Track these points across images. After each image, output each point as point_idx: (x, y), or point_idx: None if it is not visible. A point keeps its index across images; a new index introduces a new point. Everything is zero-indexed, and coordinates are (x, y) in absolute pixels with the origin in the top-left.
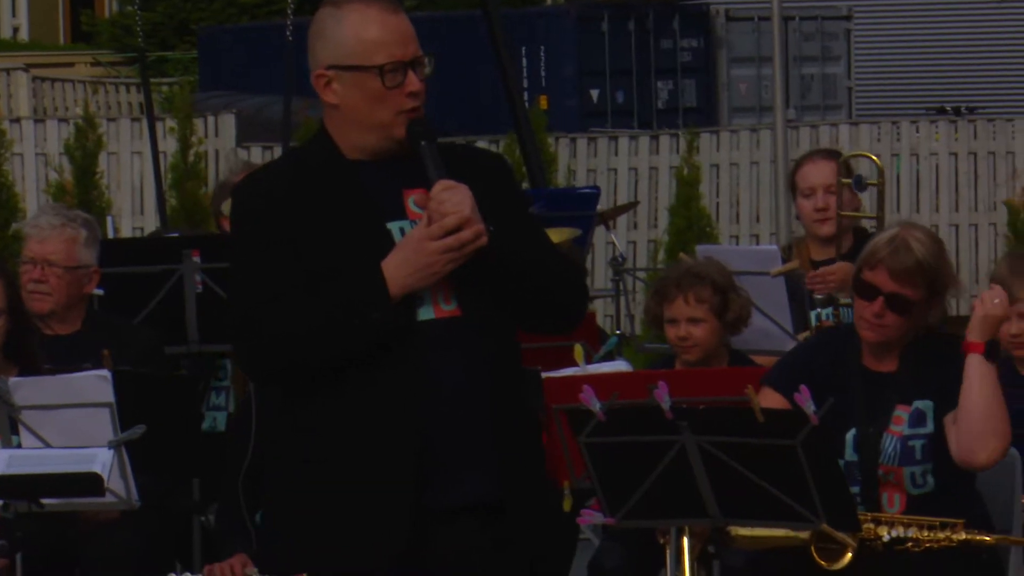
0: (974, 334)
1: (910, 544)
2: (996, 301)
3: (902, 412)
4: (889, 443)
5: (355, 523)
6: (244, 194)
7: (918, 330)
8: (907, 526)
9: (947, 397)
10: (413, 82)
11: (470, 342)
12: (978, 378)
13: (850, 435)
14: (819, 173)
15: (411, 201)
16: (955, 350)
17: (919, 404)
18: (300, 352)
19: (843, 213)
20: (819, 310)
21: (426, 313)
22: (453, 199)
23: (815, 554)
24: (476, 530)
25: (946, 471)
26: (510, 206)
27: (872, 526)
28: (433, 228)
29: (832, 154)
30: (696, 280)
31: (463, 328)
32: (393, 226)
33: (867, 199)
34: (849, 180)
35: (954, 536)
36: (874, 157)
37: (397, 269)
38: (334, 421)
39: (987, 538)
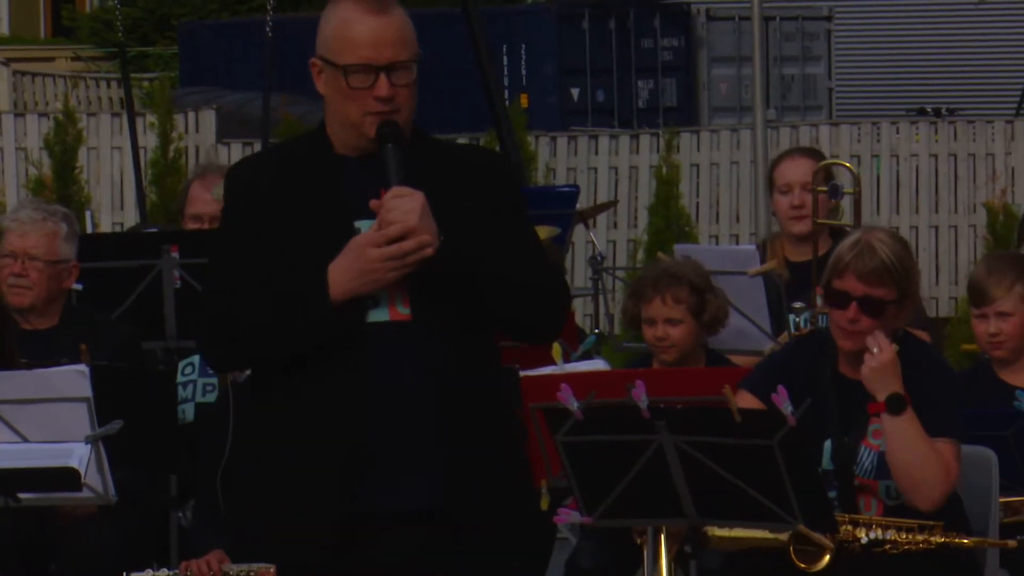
0: (874, 392)
1: (888, 546)
2: (877, 350)
3: (878, 425)
4: (866, 456)
5: (287, 518)
6: (231, 179)
7: (893, 336)
8: (885, 528)
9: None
10: (382, 87)
11: (420, 347)
12: (892, 438)
13: (827, 444)
14: (797, 170)
15: (372, 201)
16: (926, 359)
17: None
18: (245, 345)
19: (820, 220)
20: (796, 317)
21: (380, 315)
22: (401, 207)
23: (793, 556)
24: (412, 537)
25: None
26: (492, 211)
27: (850, 528)
28: (376, 235)
29: (812, 153)
30: (673, 281)
31: (413, 333)
32: (363, 224)
33: (848, 205)
34: (824, 188)
35: (932, 539)
36: (849, 166)
37: (341, 273)
38: (282, 414)
39: (965, 540)
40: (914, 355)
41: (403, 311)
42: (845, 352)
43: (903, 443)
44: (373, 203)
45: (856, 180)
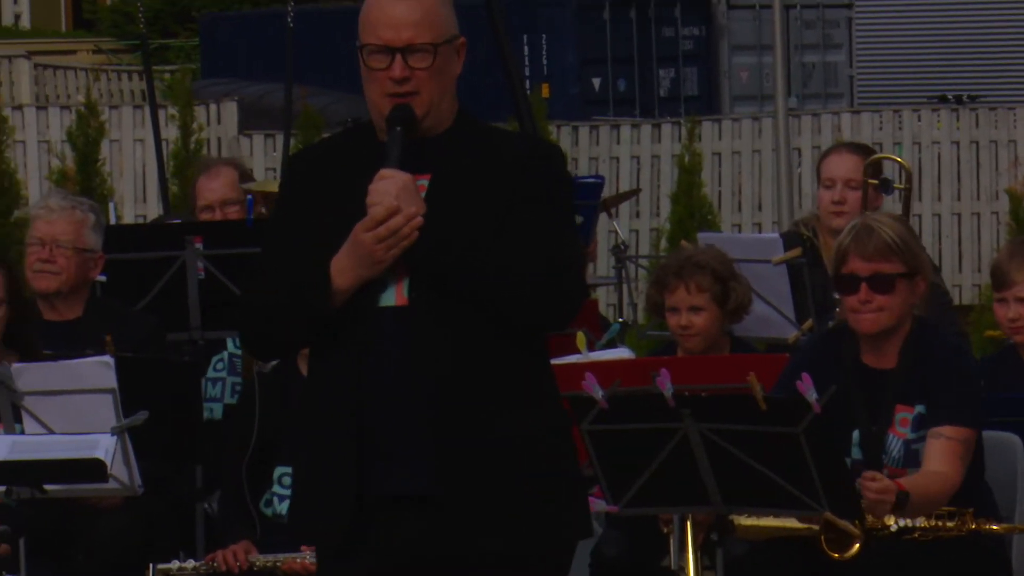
0: (879, 516)
1: (918, 533)
2: (874, 484)
3: (905, 414)
4: (894, 445)
5: (307, 500)
6: (285, 168)
7: (912, 320)
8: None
9: (933, 409)
10: (395, 68)
11: (420, 332)
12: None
13: (855, 434)
14: (841, 165)
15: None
16: (948, 353)
17: (920, 408)
18: (261, 328)
19: (868, 215)
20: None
21: (387, 300)
22: (382, 188)
23: (824, 544)
24: (413, 519)
25: None
26: (520, 199)
27: None
28: (366, 219)
29: (860, 149)
30: (697, 269)
31: (412, 318)
32: None
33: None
34: (875, 181)
35: (964, 525)
36: (902, 160)
37: (344, 260)
38: (305, 398)
39: (995, 527)
40: (928, 342)
41: (407, 295)
42: (867, 339)
43: (917, 513)
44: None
45: (908, 175)
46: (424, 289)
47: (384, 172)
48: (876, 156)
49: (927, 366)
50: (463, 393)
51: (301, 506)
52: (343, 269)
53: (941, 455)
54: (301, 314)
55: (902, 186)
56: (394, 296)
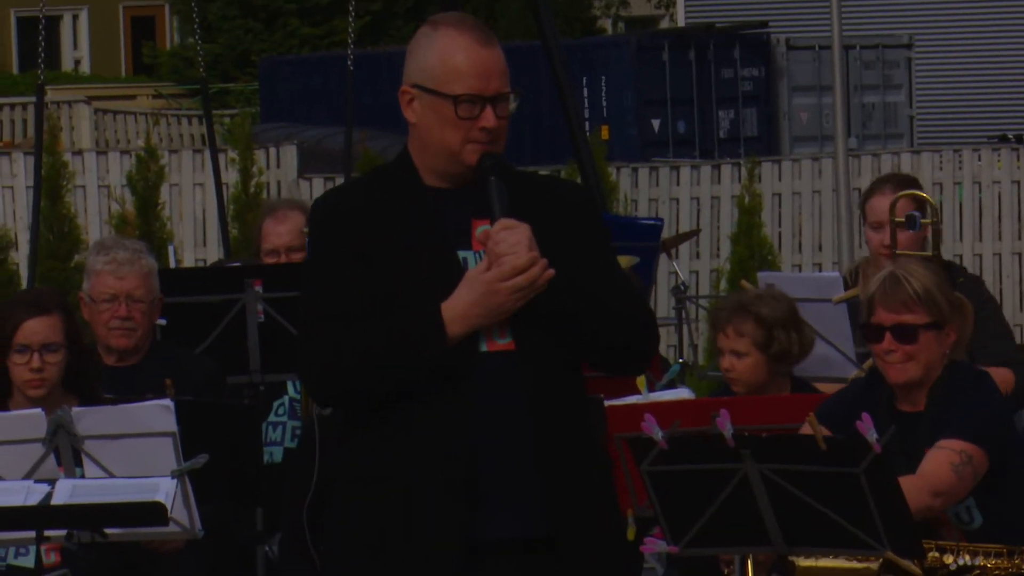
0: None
1: (977, 572)
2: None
3: None
4: None
5: (405, 553)
6: (319, 209)
7: (942, 364)
8: (974, 553)
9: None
10: (488, 118)
11: (522, 376)
12: None
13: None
14: (886, 207)
15: (479, 231)
16: (967, 382)
17: None
18: (353, 377)
19: (899, 252)
20: None
21: (482, 345)
22: (510, 239)
23: None
24: (523, 564)
25: (991, 503)
26: (582, 241)
27: (937, 554)
28: (504, 269)
29: (901, 183)
30: (739, 313)
31: (516, 362)
32: (467, 255)
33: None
34: (902, 219)
35: (1022, 564)
36: (928, 197)
37: (465, 308)
38: (388, 449)
39: None
40: (954, 383)
41: (501, 341)
42: (897, 387)
43: None
44: (481, 235)
45: (934, 209)
46: (530, 332)
47: (506, 222)
48: (902, 193)
49: (952, 403)
50: (563, 435)
51: (397, 555)
52: (460, 316)
53: (930, 459)
54: (409, 362)
55: (930, 221)
56: (485, 343)
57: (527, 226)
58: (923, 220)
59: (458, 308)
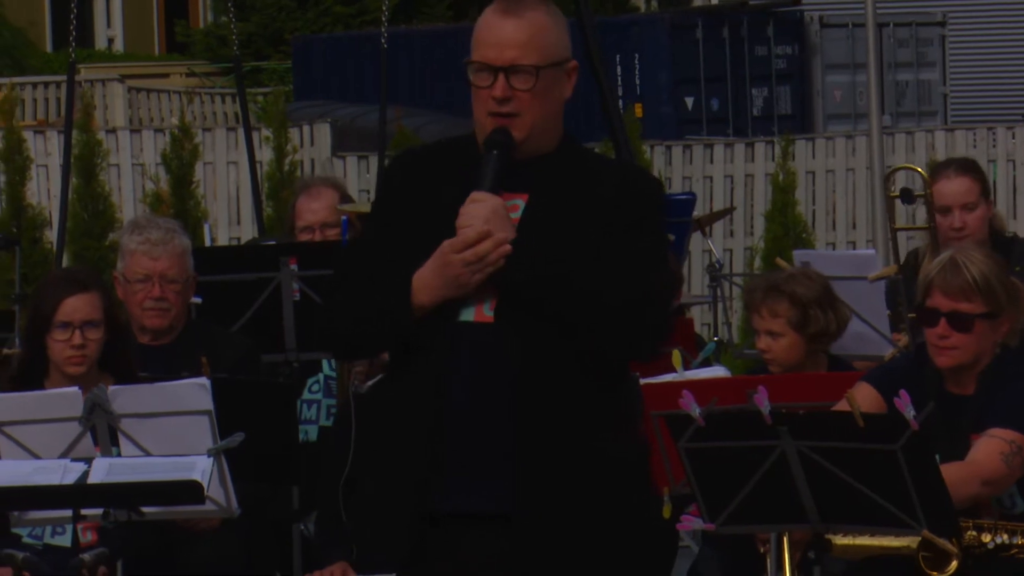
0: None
1: (1015, 551)
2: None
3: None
4: None
5: (369, 521)
6: (387, 169)
7: (993, 351)
8: (1012, 532)
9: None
10: (497, 87)
11: (501, 350)
12: None
13: (936, 459)
14: (954, 189)
15: (510, 206)
16: (1019, 369)
17: None
18: (344, 335)
19: (897, 227)
20: None
21: (467, 315)
22: (473, 211)
23: (922, 563)
24: (486, 539)
25: None
26: (612, 226)
27: (975, 533)
28: (456, 241)
29: (967, 168)
30: (775, 294)
31: (495, 336)
32: None
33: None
34: (897, 194)
35: None
36: (919, 169)
37: (429, 278)
38: (376, 414)
39: None
40: (1006, 369)
41: (488, 313)
42: (944, 369)
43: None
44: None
45: (926, 182)
46: (511, 309)
47: (476, 195)
48: (893, 168)
49: (1002, 390)
50: (542, 413)
51: (364, 523)
52: (426, 286)
53: (980, 448)
54: (381, 325)
55: (922, 194)
56: (474, 312)
57: (496, 201)
58: (917, 193)
59: (424, 278)
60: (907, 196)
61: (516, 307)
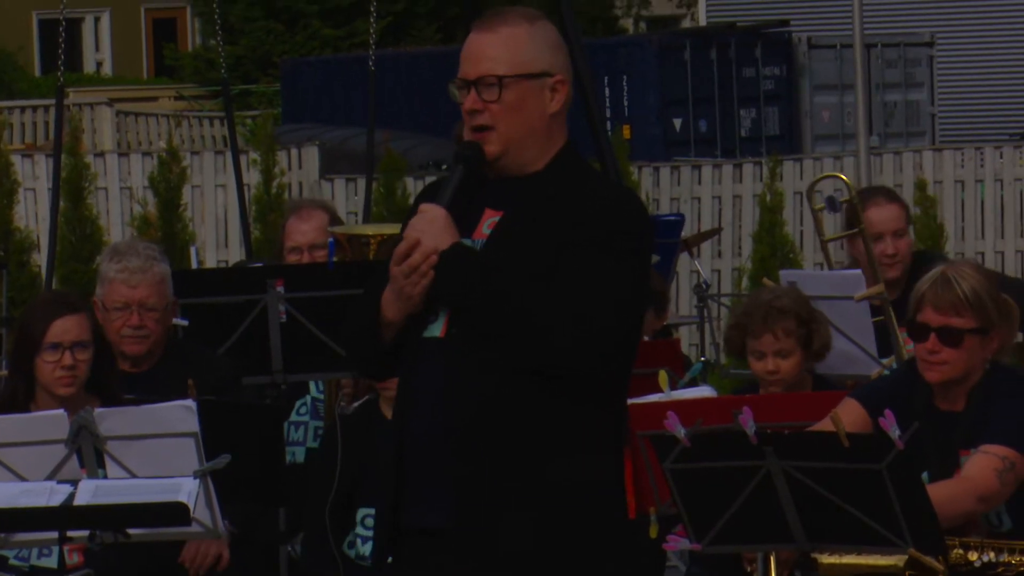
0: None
1: (1001, 569)
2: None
3: (967, 458)
4: None
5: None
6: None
7: (983, 367)
8: (998, 551)
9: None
10: (467, 100)
11: (449, 365)
12: None
13: (924, 476)
14: (885, 216)
15: (487, 222)
16: (1011, 386)
17: None
18: (346, 352)
19: (826, 238)
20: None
21: (432, 331)
22: (413, 223)
23: None
24: (435, 553)
25: (1021, 507)
26: (574, 244)
27: (961, 551)
28: (395, 253)
29: (893, 195)
30: (781, 315)
31: (446, 351)
32: (464, 242)
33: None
34: (822, 206)
35: None
36: (842, 176)
37: (388, 294)
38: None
39: None
40: (996, 384)
41: (449, 329)
42: (934, 385)
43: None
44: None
45: (849, 189)
46: (462, 325)
47: (423, 207)
48: (817, 178)
49: (993, 406)
50: (480, 429)
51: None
52: (387, 302)
53: (973, 464)
54: (361, 343)
55: (847, 199)
56: (439, 329)
57: (437, 212)
58: (842, 199)
59: (386, 294)
60: (832, 204)
61: (460, 324)
